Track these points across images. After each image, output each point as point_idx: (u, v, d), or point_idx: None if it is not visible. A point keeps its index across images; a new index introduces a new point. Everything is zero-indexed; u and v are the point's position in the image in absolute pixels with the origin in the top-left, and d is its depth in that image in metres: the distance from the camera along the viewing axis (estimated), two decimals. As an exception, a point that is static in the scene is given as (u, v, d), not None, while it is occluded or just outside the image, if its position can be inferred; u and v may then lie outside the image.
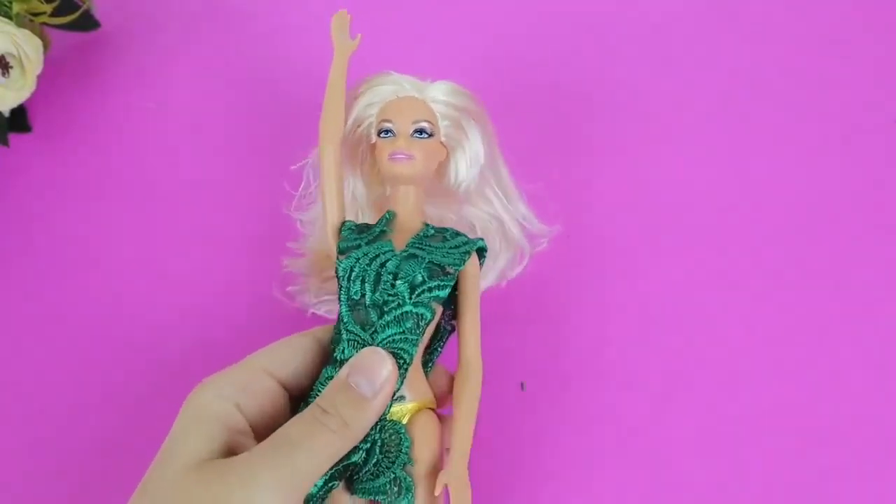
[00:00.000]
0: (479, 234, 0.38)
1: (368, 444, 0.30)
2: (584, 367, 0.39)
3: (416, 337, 0.31)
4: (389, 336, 0.31)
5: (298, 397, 0.32)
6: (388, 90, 0.35)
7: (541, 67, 0.50)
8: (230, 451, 0.29)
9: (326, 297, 0.40)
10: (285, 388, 0.32)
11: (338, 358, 0.31)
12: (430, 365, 0.34)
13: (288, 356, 0.32)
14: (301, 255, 0.41)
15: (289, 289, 0.41)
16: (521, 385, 0.39)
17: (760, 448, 0.37)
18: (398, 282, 0.32)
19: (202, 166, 0.48)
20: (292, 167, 0.39)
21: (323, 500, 0.30)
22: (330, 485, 0.30)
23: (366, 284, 0.32)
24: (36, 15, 0.48)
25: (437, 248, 0.33)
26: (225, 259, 0.44)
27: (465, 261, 0.33)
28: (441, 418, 0.33)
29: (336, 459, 0.29)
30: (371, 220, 0.37)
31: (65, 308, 0.44)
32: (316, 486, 0.29)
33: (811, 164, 0.45)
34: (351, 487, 0.31)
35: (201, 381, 0.31)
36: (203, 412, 0.29)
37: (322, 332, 0.34)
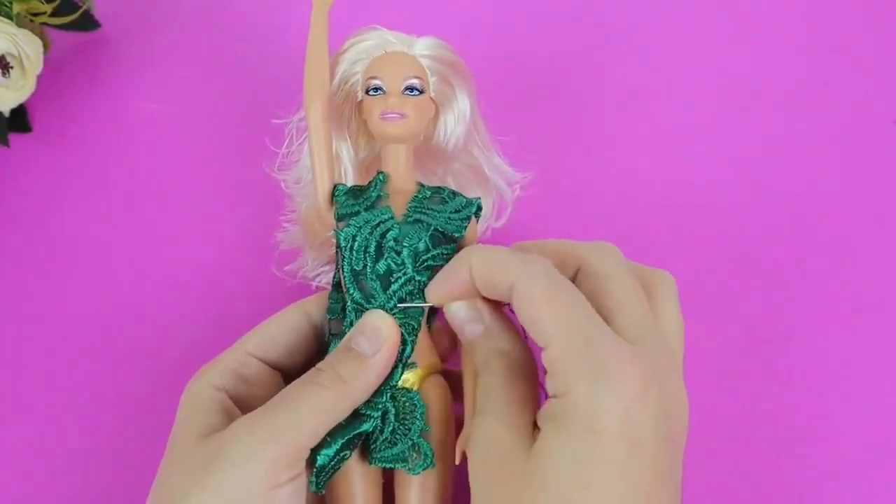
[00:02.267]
0: (455, 187, 0.37)
1: (380, 413, 0.30)
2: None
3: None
4: (396, 305, 0.31)
5: (293, 374, 0.33)
6: (374, 45, 0.34)
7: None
8: None
9: (325, 268, 0.40)
10: (276, 366, 0.33)
11: (345, 331, 0.31)
12: (430, 325, 0.34)
13: (276, 335, 0.33)
14: (292, 223, 0.40)
15: (286, 268, 0.41)
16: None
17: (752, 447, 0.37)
18: (402, 250, 0.31)
19: (202, 166, 0.48)
20: (274, 121, 0.38)
21: (335, 470, 0.30)
22: (342, 454, 0.29)
23: (368, 255, 0.32)
24: (36, 15, 0.48)
25: (438, 212, 0.32)
26: (226, 257, 0.44)
27: (466, 226, 0.33)
28: (446, 374, 0.33)
29: (336, 416, 0.29)
30: (354, 181, 0.36)
31: (65, 308, 0.44)
32: (326, 455, 0.29)
33: (811, 163, 0.45)
34: (368, 457, 0.31)
35: (196, 372, 0.32)
36: (199, 401, 0.30)
37: (311, 305, 0.34)
